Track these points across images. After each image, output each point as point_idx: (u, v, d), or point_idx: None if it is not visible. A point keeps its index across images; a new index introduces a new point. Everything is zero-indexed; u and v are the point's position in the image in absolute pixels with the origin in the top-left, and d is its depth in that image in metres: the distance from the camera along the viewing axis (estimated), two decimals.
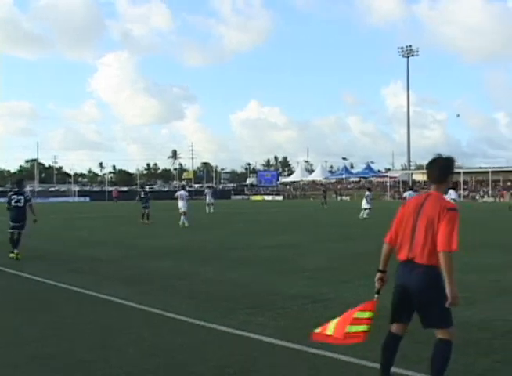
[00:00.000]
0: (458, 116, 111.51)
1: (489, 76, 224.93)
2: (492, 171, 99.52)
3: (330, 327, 4.72)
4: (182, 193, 28.87)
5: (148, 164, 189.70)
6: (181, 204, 27.97)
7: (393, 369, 4.78)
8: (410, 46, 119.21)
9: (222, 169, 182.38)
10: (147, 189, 50.98)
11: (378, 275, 4.83)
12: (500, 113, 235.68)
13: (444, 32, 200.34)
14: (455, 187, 19.99)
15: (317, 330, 4.84)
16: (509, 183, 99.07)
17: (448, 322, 4.54)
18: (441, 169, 4.80)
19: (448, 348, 4.49)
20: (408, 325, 4.75)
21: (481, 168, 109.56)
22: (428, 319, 4.54)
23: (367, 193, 34.98)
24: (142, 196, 31.64)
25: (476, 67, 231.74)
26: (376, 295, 4.77)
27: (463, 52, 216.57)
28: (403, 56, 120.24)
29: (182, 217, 27.44)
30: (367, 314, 4.65)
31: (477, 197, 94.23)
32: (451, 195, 18.02)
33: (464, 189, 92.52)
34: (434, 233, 4.45)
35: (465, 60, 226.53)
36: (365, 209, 33.13)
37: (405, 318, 4.70)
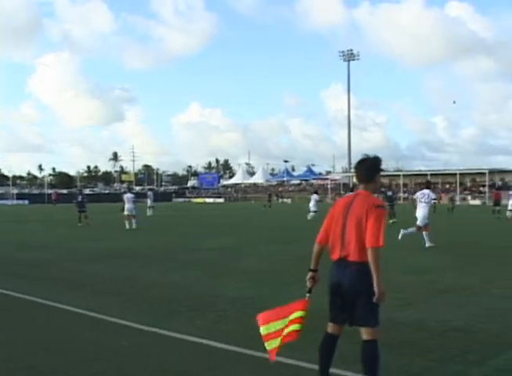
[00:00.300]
0: (454, 102, 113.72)
1: (428, 80, 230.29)
2: (431, 174, 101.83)
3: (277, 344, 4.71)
4: (128, 195, 28.56)
5: (88, 167, 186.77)
6: (128, 206, 27.71)
7: (331, 369, 4.81)
8: (351, 50, 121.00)
9: (164, 172, 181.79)
10: (85, 192, 50.45)
11: (309, 274, 4.86)
12: (438, 117, 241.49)
13: (384, 37, 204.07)
14: (429, 186, 20.32)
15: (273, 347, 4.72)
16: (447, 186, 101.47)
17: (377, 320, 4.59)
18: (369, 169, 4.87)
19: (375, 347, 4.54)
20: (344, 325, 4.77)
21: (420, 170, 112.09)
22: (358, 317, 4.57)
23: (315, 195, 35.49)
24: (79, 200, 31.32)
25: (415, 72, 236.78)
26: (307, 294, 4.79)
27: (402, 56, 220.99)
28: (344, 59, 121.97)
29: (129, 220, 27.26)
30: (298, 313, 4.67)
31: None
32: (427, 195, 18.36)
33: (404, 192, 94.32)
34: (363, 231, 4.53)
35: (404, 65, 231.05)
36: (312, 212, 33.56)
37: (340, 318, 4.72)
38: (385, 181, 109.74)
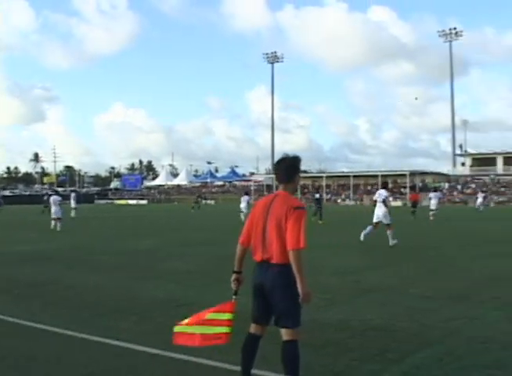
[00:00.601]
0: (416, 99, 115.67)
1: (351, 83, 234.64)
2: (354, 176, 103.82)
3: (190, 327, 4.78)
4: (54, 198, 27.98)
5: (8, 168, 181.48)
6: (54, 209, 27.11)
7: (253, 371, 4.89)
8: (275, 52, 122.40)
9: (86, 173, 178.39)
10: (4, 193, 49.30)
11: (234, 276, 4.90)
12: (361, 120, 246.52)
13: (308, 40, 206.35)
14: (385, 187, 21.01)
15: (178, 330, 4.84)
16: (369, 187, 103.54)
17: (298, 321, 4.63)
18: (288, 169, 4.86)
19: (295, 347, 4.59)
20: (267, 326, 4.84)
21: (343, 172, 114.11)
22: (280, 318, 4.61)
23: (246, 196, 35.85)
24: None
25: (338, 75, 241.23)
26: (234, 297, 4.85)
27: (326, 59, 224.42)
28: (268, 61, 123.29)
29: (53, 221, 26.70)
30: (226, 315, 4.72)
31: (338, 201, 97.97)
32: (382, 195, 19.22)
33: (327, 193, 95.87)
34: (283, 232, 4.55)
35: (328, 68, 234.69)
36: (246, 212, 33.78)
37: (263, 318, 4.78)
38: (308, 182, 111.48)
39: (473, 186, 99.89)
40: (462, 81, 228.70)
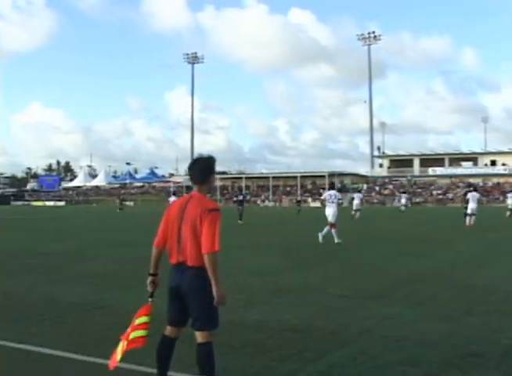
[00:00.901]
0: (365, 102, 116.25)
1: (271, 85, 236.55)
2: (273, 177, 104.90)
3: (120, 349, 4.70)
4: None
5: None
6: None
7: (170, 373, 4.85)
8: (195, 53, 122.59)
9: (1, 174, 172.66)
10: None
11: (150, 278, 4.84)
12: (280, 121, 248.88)
13: (228, 41, 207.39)
14: (333, 187, 22.14)
15: (116, 360, 4.72)
16: (288, 188, 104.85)
17: (216, 324, 4.63)
18: (203, 169, 4.81)
19: (210, 349, 4.57)
20: (182, 328, 4.81)
21: (262, 173, 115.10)
22: (197, 321, 4.57)
23: (173, 197, 35.82)
24: None
25: (259, 76, 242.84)
26: (150, 299, 4.80)
27: (246, 61, 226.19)
28: (188, 62, 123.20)
29: None
30: (143, 319, 4.68)
31: (258, 202, 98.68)
32: (333, 195, 20.48)
33: (246, 194, 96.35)
34: (199, 235, 4.51)
35: (248, 69, 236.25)
36: None
37: (179, 321, 4.74)
38: (227, 183, 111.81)
39: (390, 187, 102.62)
40: (380, 84, 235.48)
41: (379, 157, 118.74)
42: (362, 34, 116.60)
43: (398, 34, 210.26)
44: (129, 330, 4.72)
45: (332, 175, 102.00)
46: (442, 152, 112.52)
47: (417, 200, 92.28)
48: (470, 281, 10.93)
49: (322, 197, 21.75)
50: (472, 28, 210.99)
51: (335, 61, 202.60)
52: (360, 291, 9.96)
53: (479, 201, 31.22)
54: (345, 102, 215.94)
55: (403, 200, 58.28)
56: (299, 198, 71.24)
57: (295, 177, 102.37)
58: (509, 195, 42.62)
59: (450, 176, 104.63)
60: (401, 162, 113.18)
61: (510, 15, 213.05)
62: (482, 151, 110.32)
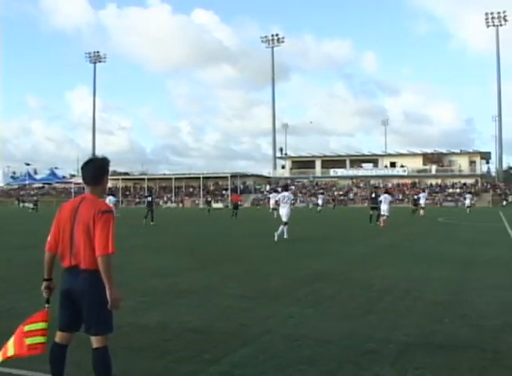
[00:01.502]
0: (311, 122, 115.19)
1: (174, 86, 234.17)
2: (175, 178, 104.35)
3: (9, 348, 4.56)
4: None
5: None
6: None
7: None
8: (98, 52, 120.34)
9: None
10: None
11: (44, 284, 4.73)
12: (183, 122, 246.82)
13: (131, 41, 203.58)
14: (287, 189, 24.69)
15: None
16: (191, 189, 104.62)
17: (111, 328, 4.58)
18: (96, 170, 4.75)
19: (106, 354, 4.52)
20: (74, 333, 4.72)
21: (164, 174, 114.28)
22: (93, 326, 4.49)
23: (111, 197, 35.98)
24: None
25: (162, 77, 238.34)
26: (46, 305, 4.69)
27: (149, 61, 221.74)
28: (90, 61, 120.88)
29: None
30: (40, 325, 4.56)
31: (161, 203, 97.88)
32: (286, 196, 22.29)
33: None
34: (92, 238, 4.44)
35: (151, 69, 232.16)
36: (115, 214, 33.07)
37: (70, 326, 4.64)
38: (129, 184, 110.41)
39: (292, 188, 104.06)
40: (283, 86, 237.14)
41: (281, 158, 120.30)
42: (266, 36, 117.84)
43: (301, 37, 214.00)
44: (18, 334, 4.58)
45: (235, 176, 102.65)
46: (344, 153, 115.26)
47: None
48: (369, 281, 11.25)
49: (276, 199, 24.01)
50: (373, 33, 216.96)
51: (238, 62, 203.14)
52: (261, 291, 10.08)
53: (391, 203, 32.84)
54: (248, 103, 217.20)
55: (320, 201, 61.23)
56: (209, 198, 71.64)
57: (198, 178, 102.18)
58: (421, 195, 44.50)
59: (351, 177, 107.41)
60: (303, 163, 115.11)
61: (410, 21, 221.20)
62: (382, 153, 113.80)
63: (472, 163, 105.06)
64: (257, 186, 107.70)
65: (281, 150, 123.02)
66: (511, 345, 6.50)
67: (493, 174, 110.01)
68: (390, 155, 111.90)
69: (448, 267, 13.22)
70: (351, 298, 9.43)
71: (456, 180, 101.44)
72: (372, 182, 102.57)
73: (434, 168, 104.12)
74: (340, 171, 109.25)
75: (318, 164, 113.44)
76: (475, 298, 9.40)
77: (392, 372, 5.58)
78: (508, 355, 6.11)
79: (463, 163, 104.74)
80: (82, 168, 4.80)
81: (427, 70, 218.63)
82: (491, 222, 34.45)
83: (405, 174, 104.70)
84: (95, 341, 4.53)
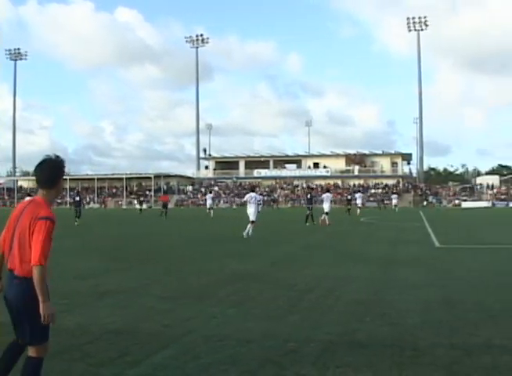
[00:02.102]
0: (204, 151, 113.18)
1: (96, 84, 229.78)
2: (98, 178, 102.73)
3: None
4: None
5: None
6: None
7: None
8: (18, 49, 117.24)
9: None
10: None
11: None
12: (105, 122, 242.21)
13: (53, 38, 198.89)
14: (254, 190, 26.73)
15: None
16: (114, 190, 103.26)
17: (44, 338, 4.40)
18: (52, 171, 4.51)
19: (38, 364, 4.39)
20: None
21: (87, 174, 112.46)
22: (24, 336, 4.34)
23: (28, 197, 35.01)
24: None
25: (84, 75, 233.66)
26: None
27: (71, 59, 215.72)
28: (11, 58, 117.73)
29: None
30: None
31: (83, 203, 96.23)
32: (254, 197, 24.09)
33: (70, 196, 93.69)
34: (25, 243, 4.27)
35: (73, 68, 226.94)
36: None
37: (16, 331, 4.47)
38: None
39: (216, 188, 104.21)
40: (207, 87, 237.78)
41: (205, 158, 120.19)
42: (191, 37, 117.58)
43: (225, 38, 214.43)
44: None
45: (158, 176, 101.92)
46: (267, 154, 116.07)
47: (243, 200, 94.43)
48: (292, 280, 11.37)
49: (244, 199, 25.83)
50: (297, 35, 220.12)
51: (162, 62, 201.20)
52: (184, 292, 10.05)
53: (331, 201, 35.25)
54: (172, 103, 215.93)
55: (209, 202, 60.58)
56: (142, 199, 71.18)
57: (121, 178, 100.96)
58: (357, 195, 45.37)
59: (275, 178, 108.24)
60: (226, 164, 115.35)
61: (334, 23, 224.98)
62: (306, 154, 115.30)
63: (394, 164, 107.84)
64: (181, 187, 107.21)
65: (205, 150, 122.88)
66: (430, 342, 6.69)
67: (414, 175, 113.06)
68: (313, 156, 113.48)
69: (370, 266, 13.50)
70: (273, 298, 9.50)
71: (378, 181, 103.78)
72: (295, 182, 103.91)
73: (356, 168, 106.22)
74: (263, 172, 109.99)
75: (241, 164, 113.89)
76: (395, 296, 9.63)
77: (313, 371, 5.65)
78: (426, 352, 6.29)
79: (385, 164, 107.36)
80: (36, 169, 4.55)
81: (350, 72, 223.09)
82: (412, 222, 35.35)
83: (329, 174, 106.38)
84: (29, 350, 4.39)
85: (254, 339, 6.83)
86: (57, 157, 4.60)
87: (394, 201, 66.14)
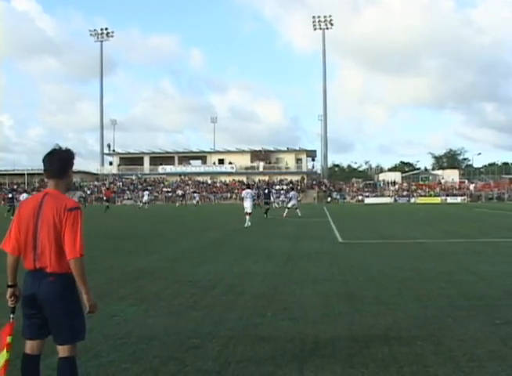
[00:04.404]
0: (108, 146, 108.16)
1: None
2: None
3: None
4: None
5: None
6: None
7: None
8: None
9: None
10: None
11: (9, 291, 4.37)
12: (4, 116, 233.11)
13: None
14: (249, 187, 34.46)
15: None
16: (15, 186, 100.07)
17: (83, 335, 4.33)
18: (62, 162, 4.43)
19: (74, 364, 4.31)
20: (44, 341, 4.43)
21: None
22: (63, 334, 4.22)
23: (25, 195, 37.39)
24: None
25: None
26: (11, 316, 4.36)
27: None
28: None
29: None
30: (8, 339, 4.23)
31: None
32: (249, 193, 30.13)
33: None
34: (59, 238, 4.16)
35: None
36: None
37: (39, 333, 4.32)
38: None
39: (120, 184, 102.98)
40: (110, 81, 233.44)
41: (109, 154, 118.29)
42: (95, 30, 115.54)
43: (128, 31, 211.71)
44: None
45: None
46: (172, 150, 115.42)
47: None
48: (194, 277, 11.43)
49: (242, 195, 31.34)
50: (200, 30, 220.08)
51: (63, 55, 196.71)
52: None
53: (297, 198, 41.41)
54: (73, 97, 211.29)
55: (145, 198, 63.16)
56: (105, 197, 70.41)
57: (22, 174, 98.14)
58: (291, 194, 45.35)
59: (180, 174, 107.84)
60: (131, 160, 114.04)
61: (237, 19, 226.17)
62: (211, 150, 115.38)
63: (298, 160, 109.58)
64: (84, 183, 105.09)
65: (109, 146, 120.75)
66: (330, 335, 6.90)
67: (318, 171, 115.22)
68: (218, 152, 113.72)
69: (273, 262, 13.73)
70: (175, 295, 9.52)
71: (282, 177, 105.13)
72: (200, 179, 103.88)
73: (261, 165, 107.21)
74: (168, 168, 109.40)
75: (146, 160, 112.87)
76: (297, 291, 9.84)
77: (215, 366, 5.74)
78: (327, 345, 6.49)
79: (289, 160, 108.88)
80: (44, 159, 4.42)
81: (254, 68, 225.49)
82: (316, 218, 36.02)
83: (234, 171, 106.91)
84: (61, 350, 4.27)
85: (155, 336, 6.83)
86: (66, 148, 4.53)
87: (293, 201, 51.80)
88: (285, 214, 37.09)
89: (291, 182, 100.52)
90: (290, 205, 38.40)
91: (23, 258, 4.35)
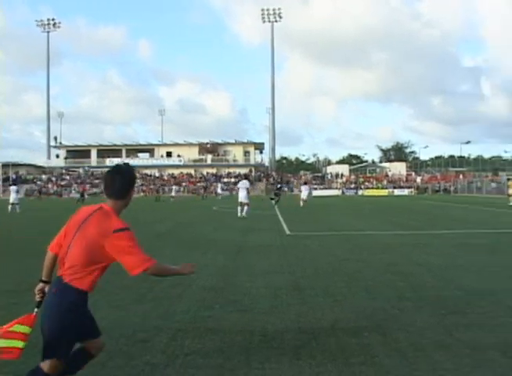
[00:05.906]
0: (55, 139, 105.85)
1: None
2: None
3: None
4: None
5: None
6: None
7: None
8: None
9: None
10: None
11: (39, 285, 4.31)
12: None
13: None
14: (247, 178, 31.66)
15: None
16: None
17: (61, 354, 4.13)
18: (125, 182, 4.27)
19: None
20: (98, 342, 4.68)
21: None
22: (45, 346, 4.09)
23: (14, 187, 37.34)
24: None
25: None
26: (36, 309, 4.26)
27: None
28: None
29: None
30: (23, 328, 4.14)
31: None
32: (245, 183, 29.82)
33: None
34: (90, 255, 4.06)
35: None
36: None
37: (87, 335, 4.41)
38: None
39: (68, 178, 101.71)
40: (56, 72, 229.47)
41: (56, 147, 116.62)
42: (42, 20, 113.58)
43: (75, 22, 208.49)
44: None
45: (6, 165, 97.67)
46: (120, 143, 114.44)
47: (94, 191, 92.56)
48: None
49: (237, 186, 31.93)
50: (147, 21, 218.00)
51: (8, 46, 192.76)
52: (30, 284, 9.68)
53: (310, 190, 47.17)
54: (18, 89, 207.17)
55: (174, 193, 69.25)
56: (80, 190, 70.55)
57: None
58: (303, 187, 45.07)
59: None
60: (78, 153, 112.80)
61: (186, 11, 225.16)
62: (159, 143, 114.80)
63: (246, 153, 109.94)
64: (31, 176, 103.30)
65: (55, 138, 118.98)
66: (278, 327, 6.92)
67: (266, 164, 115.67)
68: (166, 145, 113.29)
69: (221, 254, 13.73)
70: (122, 288, 9.40)
71: (231, 170, 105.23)
72: (147, 171, 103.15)
73: (209, 157, 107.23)
74: (116, 161, 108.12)
75: (93, 153, 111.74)
76: (246, 283, 9.84)
77: (163, 359, 5.71)
78: (275, 336, 6.50)
79: (237, 153, 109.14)
80: (107, 177, 4.26)
81: (202, 60, 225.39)
82: (264, 211, 36.12)
83: (182, 164, 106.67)
84: (43, 365, 4.14)
85: (102, 330, 6.57)
86: (129, 166, 4.37)
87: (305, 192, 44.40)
88: (301, 203, 41.90)
89: (240, 174, 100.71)
90: (304, 197, 42.65)
91: (58, 262, 4.28)
